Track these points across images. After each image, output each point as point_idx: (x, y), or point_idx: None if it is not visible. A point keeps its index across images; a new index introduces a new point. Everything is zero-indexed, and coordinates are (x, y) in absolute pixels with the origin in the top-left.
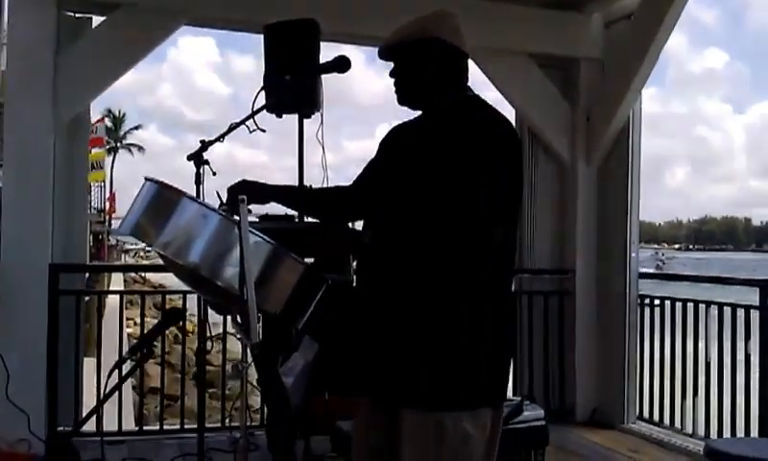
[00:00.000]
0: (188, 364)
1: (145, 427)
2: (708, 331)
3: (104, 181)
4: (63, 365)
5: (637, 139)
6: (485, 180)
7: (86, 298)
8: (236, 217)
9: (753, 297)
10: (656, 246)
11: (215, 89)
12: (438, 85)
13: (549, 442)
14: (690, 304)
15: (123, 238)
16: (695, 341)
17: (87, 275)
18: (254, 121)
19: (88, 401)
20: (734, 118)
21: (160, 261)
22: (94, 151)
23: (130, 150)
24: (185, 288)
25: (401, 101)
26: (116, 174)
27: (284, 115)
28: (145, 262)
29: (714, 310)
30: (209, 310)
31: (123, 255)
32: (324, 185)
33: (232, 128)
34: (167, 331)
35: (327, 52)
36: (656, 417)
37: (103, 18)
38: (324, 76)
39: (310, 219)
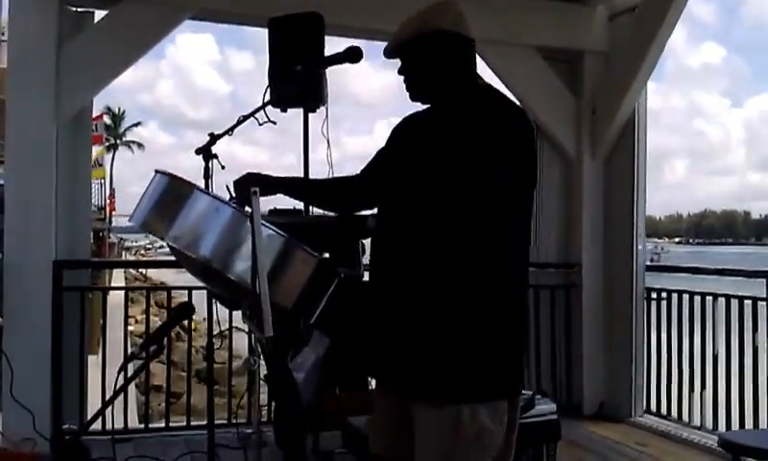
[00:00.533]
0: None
1: (151, 425)
2: (716, 324)
3: (104, 179)
4: (68, 363)
5: (643, 132)
6: (488, 175)
7: (90, 295)
8: (248, 209)
9: (750, 289)
10: (656, 240)
11: (214, 87)
12: (446, 77)
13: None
14: (698, 297)
15: (124, 235)
16: (702, 333)
17: (90, 271)
18: (265, 113)
19: (93, 400)
20: (732, 112)
21: (163, 258)
22: (94, 148)
23: (129, 147)
24: (190, 284)
25: (413, 97)
26: (115, 172)
27: (288, 111)
28: (139, 259)
29: (721, 303)
30: (217, 306)
31: (124, 253)
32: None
33: (241, 121)
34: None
35: (330, 46)
36: (663, 410)
37: (105, 12)
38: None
39: (318, 211)
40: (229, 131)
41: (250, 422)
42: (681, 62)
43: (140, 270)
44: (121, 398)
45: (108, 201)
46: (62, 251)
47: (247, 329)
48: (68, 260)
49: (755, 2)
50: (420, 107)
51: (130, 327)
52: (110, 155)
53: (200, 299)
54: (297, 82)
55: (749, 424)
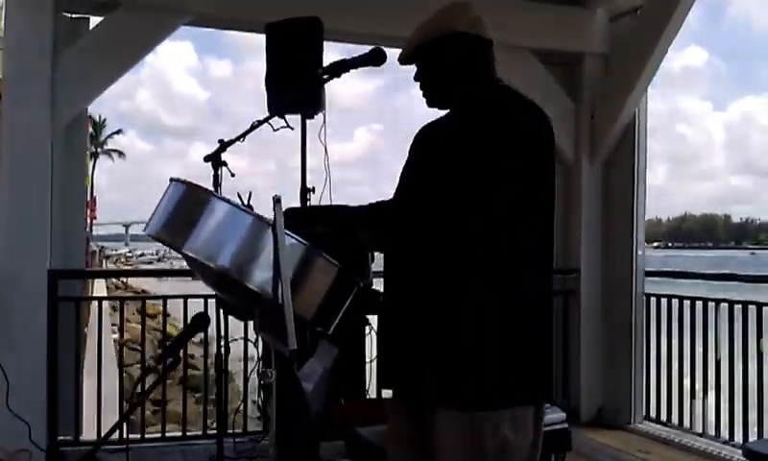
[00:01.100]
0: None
1: (147, 435)
2: (718, 330)
3: (89, 187)
4: (63, 374)
5: (643, 137)
6: (506, 179)
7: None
8: (268, 217)
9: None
10: None
11: (193, 94)
12: (463, 80)
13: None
14: (699, 303)
15: (105, 244)
16: (704, 339)
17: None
18: (284, 119)
19: (88, 411)
20: (714, 116)
21: (145, 267)
22: None
23: (110, 155)
24: (190, 292)
25: (430, 103)
26: (95, 180)
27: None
28: (127, 268)
29: (723, 308)
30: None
31: (105, 262)
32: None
33: (255, 126)
34: (150, 334)
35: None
36: (663, 417)
37: (100, 19)
38: None
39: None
40: (241, 137)
41: (245, 431)
42: (662, 66)
43: (121, 279)
44: (116, 408)
45: (88, 209)
46: (57, 260)
47: (254, 340)
48: (63, 270)
49: (738, 4)
50: (388, 116)
51: (114, 336)
52: (92, 163)
53: (192, 307)
54: (308, 87)
55: (753, 431)
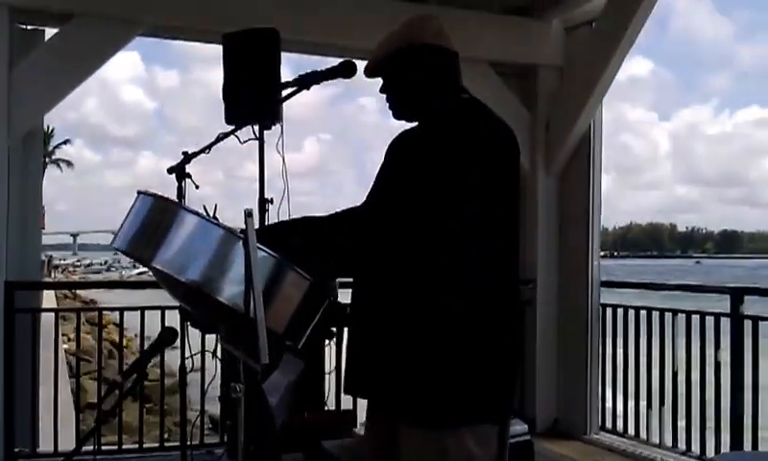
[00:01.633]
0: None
1: (103, 447)
2: (675, 340)
3: None
4: (20, 385)
5: (599, 147)
6: (471, 191)
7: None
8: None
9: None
10: None
11: (140, 104)
12: (430, 92)
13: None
14: (656, 313)
15: (52, 253)
16: (661, 350)
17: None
18: (253, 130)
19: (44, 422)
20: (660, 126)
21: (96, 276)
22: None
23: (58, 165)
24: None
25: (397, 115)
26: (44, 190)
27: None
28: (75, 278)
29: (681, 319)
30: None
31: (53, 271)
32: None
33: (221, 138)
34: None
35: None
36: (619, 428)
37: (56, 30)
38: None
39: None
40: (207, 149)
41: (201, 443)
42: None
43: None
44: (73, 419)
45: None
46: (13, 271)
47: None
48: (20, 281)
49: (682, 15)
50: (332, 126)
51: (64, 346)
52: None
53: (149, 318)
54: (266, 97)
55: (710, 442)
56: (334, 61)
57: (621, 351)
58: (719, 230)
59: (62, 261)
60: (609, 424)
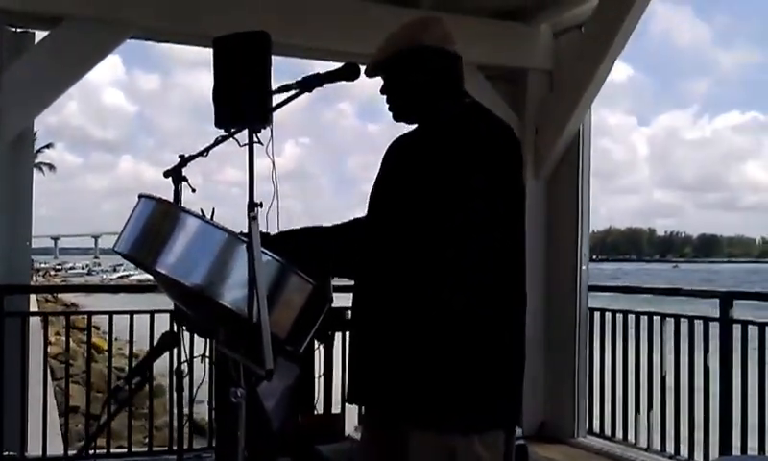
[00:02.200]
0: (104, 382)
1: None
2: (664, 344)
3: None
4: (9, 390)
5: (587, 152)
6: (475, 195)
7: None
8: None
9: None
10: None
11: (121, 107)
12: (433, 95)
13: None
14: (644, 317)
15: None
16: (649, 354)
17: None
18: (256, 136)
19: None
20: (638, 131)
21: (78, 279)
22: None
23: (41, 169)
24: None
25: (397, 117)
26: None
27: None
28: (56, 281)
29: (669, 323)
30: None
31: (34, 275)
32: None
33: (218, 142)
34: (80, 348)
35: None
36: (607, 431)
37: (46, 33)
38: None
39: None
40: (204, 152)
41: (190, 448)
42: None
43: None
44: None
45: None
46: (2, 276)
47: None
48: (9, 285)
49: (660, 20)
50: (312, 130)
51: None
52: None
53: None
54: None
55: (698, 446)
56: (322, 66)
57: (609, 354)
58: (698, 235)
59: (45, 265)
60: (596, 428)
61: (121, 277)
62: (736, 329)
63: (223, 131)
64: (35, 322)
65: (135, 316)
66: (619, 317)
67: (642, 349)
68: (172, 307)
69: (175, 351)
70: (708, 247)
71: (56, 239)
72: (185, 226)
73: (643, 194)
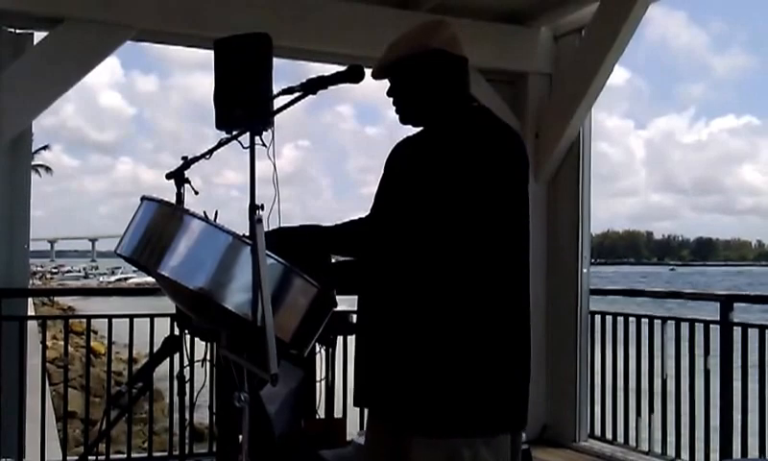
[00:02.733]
0: (103, 387)
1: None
2: (665, 347)
3: None
4: (7, 395)
5: (588, 155)
6: (480, 201)
7: None
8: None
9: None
10: None
11: (119, 109)
12: (439, 99)
13: None
14: (645, 320)
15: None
16: (650, 357)
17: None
18: (252, 136)
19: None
20: (636, 134)
21: (75, 282)
22: None
23: (37, 171)
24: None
25: (404, 120)
26: None
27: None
28: (53, 284)
29: (670, 326)
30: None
31: (31, 278)
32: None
33: (222, 143)
34: (78, 352)
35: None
36: (608, 435)
37: (45, 34)
38: None
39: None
40: (207, 154)
41: (191, 453)
42: None
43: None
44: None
45: None
46: (0, 279)
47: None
48: (7, 289)
49: (656, 24)
50: (307, 133)
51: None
52: None
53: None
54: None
55: (699, 449)
56: (323, 69)
57: (610, 358)
58: (695, 238)
59: (41, 268)
60: (598, 432)
61: (119, 279)
62: (736, 332)
63: (224, 133)
64: (32, 325)
65: (135, 320)
66: (620, 320)
67: (643, 352)
68: (173, 311)
69: (177, 355)
70: (704, 250)
71: (52, 242)
72: (189, 228)
73: (641, 197)
